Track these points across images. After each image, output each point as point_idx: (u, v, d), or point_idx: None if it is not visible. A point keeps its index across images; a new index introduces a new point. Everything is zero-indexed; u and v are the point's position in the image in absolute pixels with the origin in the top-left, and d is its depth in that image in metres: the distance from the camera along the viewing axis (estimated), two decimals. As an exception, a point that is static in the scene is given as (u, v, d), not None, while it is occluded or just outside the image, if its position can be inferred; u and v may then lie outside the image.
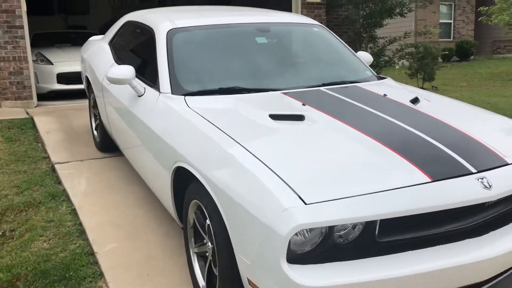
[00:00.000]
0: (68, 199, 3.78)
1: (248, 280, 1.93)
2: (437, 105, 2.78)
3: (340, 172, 1.91)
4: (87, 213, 3.51)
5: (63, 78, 8.04)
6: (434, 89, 10.78)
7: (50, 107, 7.35)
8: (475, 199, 1.87)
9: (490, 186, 1.92)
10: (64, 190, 3.96)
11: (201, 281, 2.45)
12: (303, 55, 3.47)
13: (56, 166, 4.44)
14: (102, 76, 4.02)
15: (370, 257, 1.80)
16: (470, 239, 1.94)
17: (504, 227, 2.05)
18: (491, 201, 2.00)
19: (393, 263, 1.80)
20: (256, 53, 3.20)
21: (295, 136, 2.23)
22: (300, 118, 2.37)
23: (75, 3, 14.05)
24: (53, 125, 5.88)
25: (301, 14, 9.03)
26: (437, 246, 1.89)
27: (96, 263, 2.91)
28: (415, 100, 2.75)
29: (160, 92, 2.88)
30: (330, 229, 1.76)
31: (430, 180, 1.88)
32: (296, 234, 1.72)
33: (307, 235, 1.77)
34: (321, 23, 9.85)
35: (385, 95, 2.82)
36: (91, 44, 5.04)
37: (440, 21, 18.51)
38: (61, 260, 2.89)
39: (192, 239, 2.54)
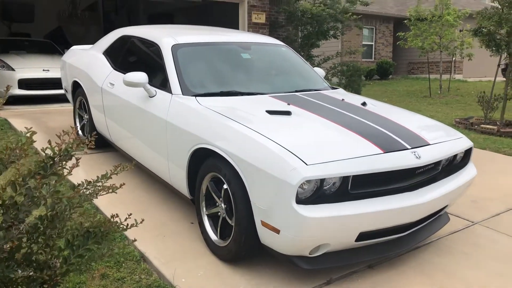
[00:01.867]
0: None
1: (262, 221, 2.78)
2: (380, 108, 3.81)
3: (324, 145, 2.84)
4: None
5: (24, 84, 8.39)
6: (362, 104, 12.19)
7: (15, 111, 7.71)
8: (410, 164, 2.87)
9: (419, 157, 2.94)
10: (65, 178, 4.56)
11: (213, 236, 3.26)
12: (278, 68, 4.43)
13: (51, 159, 4.99)
14: (101, 80, 4.69)
15: (345, 201, 2.73)
16: (408, 192, 2.94)
17: (427, 186, 3.08)
18: (421, 169, 3.03)
19: (358, 206, 2.73)
20: (243, 65, 4.10)
21: (288, 124, 3.13)
22: (288, 113, 3.29)
23: (20, 11, 14.11)
24: (30, 126, 6.32)
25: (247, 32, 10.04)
26: (387, 196, 2.86)
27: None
28: (364, 104, 3.78)
29: (172, 94, 3.68)
30: (322, 181, 2.67)
31: (382, 152, 2.86)
32: (301, 185, 2.61)
33: (306, 186, 2.66)
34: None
35: (343, 99, 3.83)
36: (76, 53, 5.66)
37: (363, 42, 20.44)
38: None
39: (203, 203, 3.35)
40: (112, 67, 4.73)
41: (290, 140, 2.85)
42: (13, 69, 8.40)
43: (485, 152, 6.49)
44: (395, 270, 3.17)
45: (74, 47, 5.98)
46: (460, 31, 14.95)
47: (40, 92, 8.40)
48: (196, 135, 3.24)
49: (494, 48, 8.24)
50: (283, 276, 3.03)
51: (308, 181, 2.65)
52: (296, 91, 3.95)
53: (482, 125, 8.03)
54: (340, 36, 10.69)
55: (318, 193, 2.69)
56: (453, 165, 3.42)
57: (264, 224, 2.78)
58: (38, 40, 10.84)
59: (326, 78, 11.37)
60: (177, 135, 3.44)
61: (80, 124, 5.55)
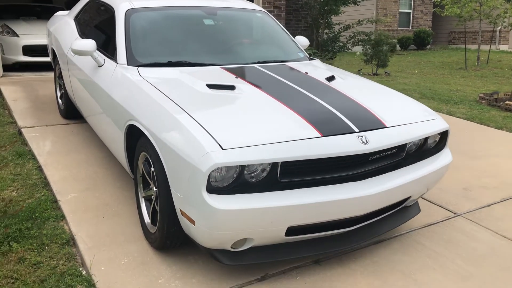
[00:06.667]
0: (34, 158, 4.22)
1: (180, 210, 2.48)
2: (348, 83, 3.36)
3: (253, 126, 2.47)
4: (51, 169, 3.98)
5: (28, 50, 8.31)
6: (387, 75, 11.51)
7: (16, 77, 7.65)
8: (353, 150, 2.46)
9: (367, 142, 2.52)
10: (30, 150, 4.40)
11: (147, 219, 2.99)
12: (244, 37, 4.01)
13: (23, 130, 4.85)
14: (67, 48, 4.44)
15: (273, 191, 2.37)
16: (353, 182, 2.54)
17: (381, 176, 2.66)
18: (375, 155, 2.61)
19: (284, 197, 2.35)
20: (202, 33, 3.71)
21: (225, 100, 2.77)
22: (231, 87, 2.92)
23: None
24: (20, 94, 6.24)
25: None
26: (326, 186, 2.47)
27: (58, 208, 3.39)
28: (330, 78, 3.33)
29: (117, 63, 3.37)
30: (242, 168, 2.31)
31: (320, 135, 2.46)
32: (215, 171, 2.27)
33: (224, 173, 2.32)
34: (280, 8, 10.30)
35: (306, 72, 3.39)
36: (58, 19, 5.42)
37: (400, 10, 19.31)
38: (28, 205, 3.37)
39: (141, 186, 3.07)
40: (78, 33, 4.46)
41: (214, 119, 2.50)
42: (17, 35, 8.33)
43: (500, 132, 5.85)
44: (343, 268, 2.80)
45: (57, 13, 5.74)
46: (505, -3, 13.74)
47: (44, 59, 8.29)
48: (127, 110, 2.94)
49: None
50: (214, 269, 2.73)
51: (227, 168, 2.30)
52: (258, 62, 3.54)
53: (507, 102, 7.30)
54: (360, 2, 9.97)
55: (239, 181, 2.34)
56: (423, 150, 2.97)
57: (182, 213, 2.48)
58: (51, 6, 10.73)
59: (345, 47, 10.78)
60: (116, 109, 3.16)
61: (60, 92, 5.36)
